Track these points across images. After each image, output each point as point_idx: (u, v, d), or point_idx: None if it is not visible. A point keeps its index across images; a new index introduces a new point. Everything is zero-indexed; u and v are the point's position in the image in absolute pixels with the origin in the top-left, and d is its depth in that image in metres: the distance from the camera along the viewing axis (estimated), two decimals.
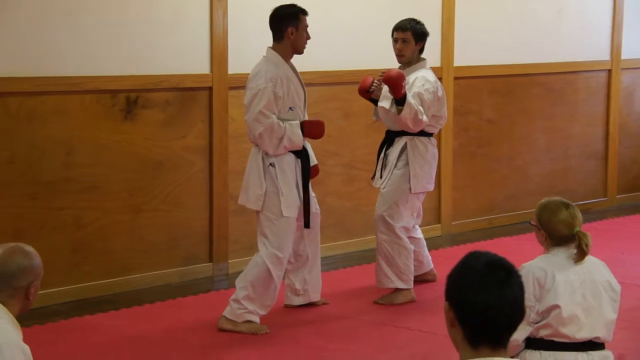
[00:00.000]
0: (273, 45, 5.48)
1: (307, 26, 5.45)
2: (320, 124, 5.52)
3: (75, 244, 6.03)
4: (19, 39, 5.72)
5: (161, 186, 6.38)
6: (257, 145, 5.41)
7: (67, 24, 5.88)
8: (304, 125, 5.40)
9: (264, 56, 5.47)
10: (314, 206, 5.68)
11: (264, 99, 5.28)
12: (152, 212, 6.35)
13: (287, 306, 5.81)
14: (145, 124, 6.27)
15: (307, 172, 5.51)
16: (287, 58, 5.47)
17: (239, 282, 5.44)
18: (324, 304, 5.92)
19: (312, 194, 5.62)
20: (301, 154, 5.49)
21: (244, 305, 5.36)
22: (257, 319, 5.41)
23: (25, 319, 5.52)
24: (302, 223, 5.58)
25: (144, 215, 6.32)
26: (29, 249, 3.25)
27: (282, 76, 5.36)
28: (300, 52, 5.50)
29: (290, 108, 5.41)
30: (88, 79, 5.98)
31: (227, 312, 5.40)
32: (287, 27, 5.41)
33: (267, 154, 5.38)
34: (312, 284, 5.81)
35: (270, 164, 5.38)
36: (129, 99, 6.19)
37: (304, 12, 5.47)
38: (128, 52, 6.16)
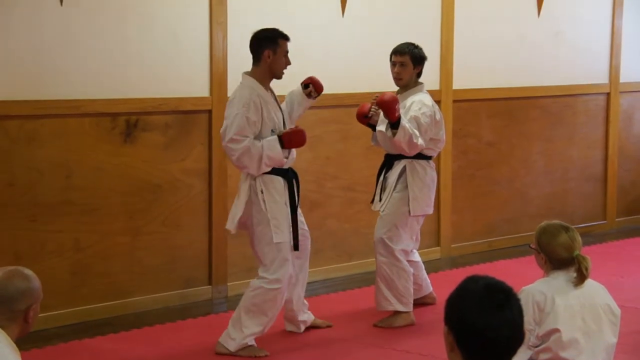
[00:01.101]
0: (251, 69, 5.45)
1: (286, 51, 5.40)
2: (298, 132, 5.38)
3: (74, 266, 6.03)
4: (18, 62, 5.73)
5: (160, 209, 6.38)
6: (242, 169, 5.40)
7: (66, 47, 5.89)
8: (282, 138, 5.32)
9: (240, 82, 5.45)
10: (302, 228, 5.62)
11: (235, 125, 5.25)
12: (151, 235, 6.35)
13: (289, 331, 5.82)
14: (144, 146, 6.28)
15: (293, 195, 5.46)
16: (264, 82, 5.42)
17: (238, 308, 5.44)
18: (327, 326, 5.91)
19: (300, 217, 5.59)
20: (287, 176, 5.44)
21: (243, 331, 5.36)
22: (254, 342, 5.40)
23: (24, 342, 5.51)
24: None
25: (143, 238, 6.31)
26: (28, 272, 3.24)
27: (255, 100, 5.31)
28: (278, 77, 5.45)
29: (272, 130, 5.37)
30: (88, 102, 5.99)
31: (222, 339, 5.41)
32: (264, 50, 5.37)
33: (254, 179, 5.36)
34: (298, 306, 5.78)
35: (261, 190, 5.35)
36: (129, 121, 6.20)
37: (284, 37, 5.42)
38: (128, 75, 6.17)
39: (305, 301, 5.84)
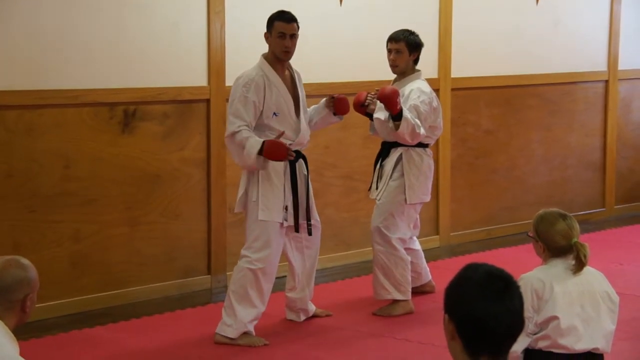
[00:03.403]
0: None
1: (282, 32, 5.38)
2: (278, 146, 5.20)
3: (73, 257, 6.03)
4: (16, 52, 5.72)
5: (159, 199, 6.38)
6: None
7: (65, 38, 5.88)
8: (263, 145, 5.20)
9: None
10: (314, 217, 5.62)
11: (235, 104, 5.30)
12: (150, 225, 6.35)
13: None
14: (143, 136, 6.28)
15: (295, 178, 5.43)
16: (273, 63, 5.43)
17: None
18: (327, 315, 5.92)
19: (312, 204, 5.59)
20: (293, 160, 5.39)
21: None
22: (252, 330, 5.41)
23: (23, 332, 5.53)
24: (300, 235, 5.57)
25: (142, 228, 6.32)
26: (25, 261, 3.24)
27: (259, 81, 5.32)
28: (279, 57, 5.41)
29: (274, 113, 5.36)
30: (86, 92, 5.99)
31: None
32: (266, 32, 5.47)
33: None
34: (304, 298, 5.79)
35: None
36: (127, 111, 6.19)
37: (279, 19, 5.42)
38: (126, 65, 6.16)
39: (310, 290, 5.80)
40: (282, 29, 5.39)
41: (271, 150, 5.20)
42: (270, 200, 5.34)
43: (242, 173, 5.48)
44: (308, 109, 5.67)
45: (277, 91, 5.39)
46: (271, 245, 5.37)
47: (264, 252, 5.35)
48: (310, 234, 5.55)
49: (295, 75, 5.57)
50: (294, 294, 5.76)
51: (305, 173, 5.53)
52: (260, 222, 5.34)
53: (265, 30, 5.47)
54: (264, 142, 5.21)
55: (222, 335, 5.38)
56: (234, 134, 5.26)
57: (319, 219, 5.72)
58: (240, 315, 5.35)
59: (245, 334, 5.38)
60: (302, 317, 5.81)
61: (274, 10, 6.75)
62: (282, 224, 5.40)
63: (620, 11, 9.13)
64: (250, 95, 5.29)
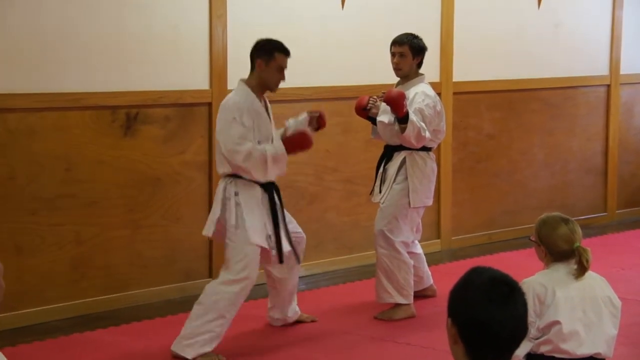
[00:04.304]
0: (248, 76, 5.33)
1: (282, 66, 5.26)
2: (300, 136, 5.26)
3: (74, 259, 6.03)
4: (18, 55, 5.72)
5: (160, 202, 6.38)
6: (228, 176, 5.25)
7: (66, 41, 5.88)
8: (284, 143, 5.22)
9: (235, 88, 5.34)
10: (296, 232, 5.53)
11: (234, 128, 5.13)
12: (151, 228, 6.35)
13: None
14: (144, 139, 6.28)
15: (274, 208, 5.27)
16: (256, 91, 5.29)
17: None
18: (312, 320, 5.87)
19: (291, 225, 5.48)
20: (269, 189, 5.29)
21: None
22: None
23: (25, 335, 5.54)
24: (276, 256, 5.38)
25: (143, 231, 6.31)
26: None
27: (249, 109, 5.19)
28: (270, 89, 5.32)
29: (258, 142, 5.22)
30: (88, 95, 5.99)
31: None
32: (257, 59, 5.27)
33: (230, 183, 5.22)
34: (288, 307, 5.74)
35: (235, 192, 5.21)
36: (129, 114, 6.19)
37: (281, 51, 5.27)
38: (128, 68, 6.16)
39: (294, 299, 5.75)
40: (282, 62, 5.27)
41: (295, 143, 5.24)
42: (253, 223, 5.19)
43: (216, 196, 5.29)
44: (289, 121, 5.56)
45: (261, 120, 5.26)
46: (253, 267, 5.22)
47: (245, 273, 5.17)
48: (281, 261, 5.33)
49: (267, 103, 5.42)
50: (276, 313, 5.72)
51: (278, 203, 5.34)
52: (246, 245, 5.16)
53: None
54: (283, 141, 5.21)
55: (178, 354, 5.19)
56: (249, 152, 5.10)
57: (301, 230, 5.61)
58: (205, 336, 5.15)
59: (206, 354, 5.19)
60: (278, 323, 5.74)
61: (276, 14, 6.77)
62: (263, 248, 5.25)
63: (622, 16, 9.13)
64: (245, 121, 5.15)
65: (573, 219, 4.10)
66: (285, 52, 5.29)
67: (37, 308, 5.86)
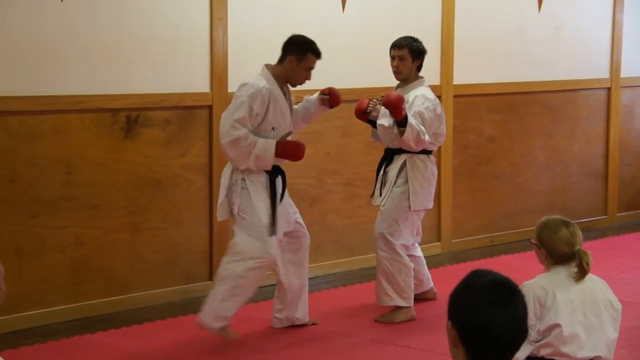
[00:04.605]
0: (275, 64, 5.50)
1: (311, 67, 5.44)
2: (296, 145, 5.41)
3: (75, 262, 6.03)
4: (18, 57, 5.73)
5: (161, 204, 6.38)
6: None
7: (67, 43, 5.89)
8: (277, 145, 5.32)
9: (259, 72, 5.48)
10: (300, 229, 5.67)
11: (239, 111, 5.29)
12: (152, 231, 6.35)
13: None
14: (145, 142, 6.28)
15: (274, 191, 5.42)
16: (280, 81, 5.45)
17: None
18: (313, 324, 5.88)
19: (295, 215, 5.65)
20: (274, 174, 5.44)
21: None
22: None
23: (26, 337, 5.54)
24: (291, 246, 5.62)
25: (144, 234, 6.32)
26: None
27: (265, 94, 5.33)
28: (293, 85, 5.51)
29: (273, 128, 5.38)
30: (88, 97, 5.99)
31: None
32: (289, 54, 5.43)
33: (237, 169, 5.38)
34: (296, 308, 5.78)
35: (242, 178, 5.38)
36: (129, 117, 6.20)
37: (314, 53, 5.44)
38: (128, 71, 6.17)
39: (303, 305, 5.79)
40: (313, 64, 5.45)
41: (289, 152, 5.37)
42: (261, 206, 5.35)
43: (222, 182, 5.46)
44: (299, 104, 5.73)
45: (279, 108, 5.41)
46: (272, 245, 5.40)
47: (260, 246, 5.35)
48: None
49: (288, 91, 5.58)
50: (282, 314, 5.77)
51: (281, 189, 5.49)
52: (257, 226, 5.33)
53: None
54: (277, 142, 5.30)
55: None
56: (239, 138, 5.26)
57: (303, 225, 5.74)
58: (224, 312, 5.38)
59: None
60: (278, 324, 5.79)
61: (277, 17, 6.77)
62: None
63: (622, 18, 9.13)
64: (255, 107, 5.30)
65: (574, 221, 4.10)
66: (318, 55, 5.45)
67: (38, 310, 5.86)
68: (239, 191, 5.38)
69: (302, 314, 5.80)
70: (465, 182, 8.13)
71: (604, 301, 3.98)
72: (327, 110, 5.83)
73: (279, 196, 5.44)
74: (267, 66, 5.48)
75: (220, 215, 5.51)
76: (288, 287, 5.70)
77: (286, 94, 5.52)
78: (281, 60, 5.48)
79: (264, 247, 5.35)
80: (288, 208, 5.59)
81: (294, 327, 5.79)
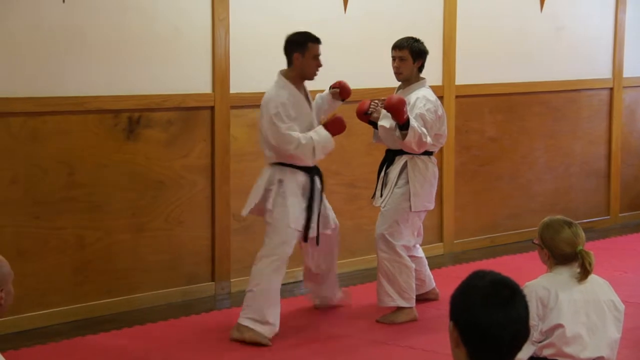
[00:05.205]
0: (285, 69, 5.66)
1: (317, 54, 5.62)
2: (336, 120, 5.67)
3: (77, 263, 6.03)
4: (20, 59, 5.73)
5: (163, 205, 6.38)
6: (274, 164, 5.61)
7: (69, 44, 5.89)
8: (326, 128, 5.63)
9: (275, 81, 5.65)
10: (332, 222, 5.93)
11: (279, 121, 5.47)
12: (153, 232, 6.35)
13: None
14: (147, 143, 6.28)
15: (313, 191, 5.66)
16: (296, 82, 5.65)
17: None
18: (345, 300, 6.23)
19: (327, 210, 5.89)
20: (312, 174, 5.67)
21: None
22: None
23: (27, 338, 5.54)
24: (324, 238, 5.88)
25: (146, 235, 6.31)
26: None
27: (287, 104, 5.54)
28: (308, 78, 5.68)
29: (302, 129, 5.62)
30: (90, 98, 5.99)
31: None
32: (293, 52, 5.60)
33: (276, 170, 5.59)
34: (328, 292, 6.14)
35: (279, 180, 5.58)
36: (131, 118, 6.20)
37: (313, 40, 5.63)
38: (130, 72, 6.17)
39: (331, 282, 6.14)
40: (316, 50, 5.62)
41: (337, 127, 5.66)
42: (295, 209, 5.57)
43: (259, 182, 5.64)
44: (313, 103, 5.91)
45: (301, 111, 5.64)
46: (288, 247, 5.60)
47: (280, 249, 5.56)
48: (317, 243, 5.80)
49: (307, 92, 5.79)
50: (324, 294, 6.14)
51: (320, 187, 5.75)
52: (288, 228, 5.56)
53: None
54: (324, 126, 5.62)
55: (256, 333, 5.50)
56: (299, 142, 5.50)
57: (337, 222, 6.01)
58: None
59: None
60: (319, 303, 6.16)
61: (278, 18, 6.77)
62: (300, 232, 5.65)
63: (625, 19, 9.12)
64: (291, 112, 5.54)
65: (576, 222, 4.10)
66: (317, 40, 5.65)
67: (40, 311, 5.86)
68: (274, 193, 5.57)
69: (331, 293, 6.14)
70: (467, 183, 8.12)
71: (607, 302, 3.98)
72: (340, 103, 6.04)
73: (318, 195, 5.69)
74: (281, 72, 5.65)
75: (245, 211, 5.69)
76: (315, 270, 6.01)
77: (306, 94, 5.73)
78: (289, 62, 5.65)
79: (278, 247, 5.56)
80: (326, 210, 5.85)
81: (295, 327, 5.78)
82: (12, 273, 3.37)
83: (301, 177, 5.63)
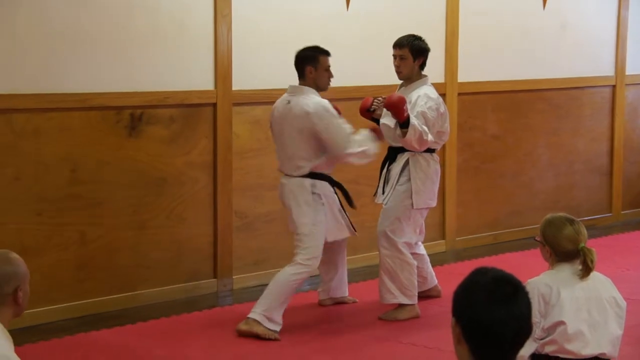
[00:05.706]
0: (299, 83, 5.75)
1: (328, 66, 5.76)
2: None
3: (80, 260, 6.04)
4: (23, 56, 5.73)
5: (165, 202, 6.39)
6: (305, 177, 5.73)
7: (71, 41, 5.89)
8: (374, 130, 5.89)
9: (302, 94, 5.69)
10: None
11: (341, 124, 5.66)
12: (156, 229, 6.35)
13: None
14: (149, 140, 6.28)
15: (343, 196, 5.98)
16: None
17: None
18: (353, 302, 6.28)
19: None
20: (331, 181, 5.88)
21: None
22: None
23: (31, 335, 5.55)
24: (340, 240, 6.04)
25: (148, 232, 6.32)
26: (13, 255, 3.34)
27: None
28: (323, 89, 5.80)
29: None
30: (93, 95, 6.00)
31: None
32: (306, 66, 5.72)
33: (310, 184, 5.72)
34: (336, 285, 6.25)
35: (318, 193, 5.74)
36: (134, 115, 6.20)
37: (323, 53, 5.77)
38: (132, 69, 6.17)
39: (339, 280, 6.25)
40: (327, 62, 5.77)
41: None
42: (330, 222, 5.82)
43: (297, 196, 5.71)
44: None
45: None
46: (317, 261, 5.79)
47: (311, 262, 5.71)
48: (355, 230, 6.09)
49: None
50: (336, 293, 6.26)
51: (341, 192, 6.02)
52: (320, 240, 5.73)
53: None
54: (371, 131, 5.86)
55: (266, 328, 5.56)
56: (359, 141, 5.75)
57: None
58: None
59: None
60: (327, 301, 6.21)
61: (281, 15, 6.77)
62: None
63: (627, 16, 9.11)
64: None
65: (578, 219, 4.10)
66: (327, 53, 5.81)
67: (43, 308, 5.87)
68: (312, 206, 5.72)
69: (339, 292, 6.24)
70: (469, 180, 8.12)
71: (609, 299, 3.98)
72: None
73: (337, 203, 5.90)
74: (299, 87, 5.72)
75: (293, 226, 5.80)
76: (328, 264, 6.14)
77: None
78: (302, 75, 5.73)
79: (310, 260, 5.71)
80: (340, 215, 5.97)
81: (298, 323, 5.80)
82: (28, 273, 3.39)
83: (329, 187, 5.85)
